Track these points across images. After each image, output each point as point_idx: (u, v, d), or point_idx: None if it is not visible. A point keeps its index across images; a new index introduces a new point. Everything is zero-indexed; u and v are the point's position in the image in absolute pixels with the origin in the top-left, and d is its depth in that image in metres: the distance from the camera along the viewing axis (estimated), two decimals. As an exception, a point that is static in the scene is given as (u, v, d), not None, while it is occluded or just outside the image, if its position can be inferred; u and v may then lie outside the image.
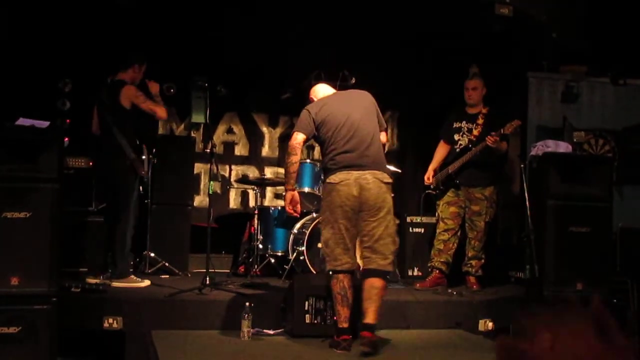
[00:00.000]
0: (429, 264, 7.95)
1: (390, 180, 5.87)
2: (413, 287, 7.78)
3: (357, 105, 5.98)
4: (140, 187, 7.47)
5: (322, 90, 6.29)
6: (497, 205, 7.88)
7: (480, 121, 7.70)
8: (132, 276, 7.29)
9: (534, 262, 6.32)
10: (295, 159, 5.87)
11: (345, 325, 5.69)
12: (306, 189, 8.08)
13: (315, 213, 8.10)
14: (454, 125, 7.88)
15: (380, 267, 5.69)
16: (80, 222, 7.63)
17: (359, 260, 6.13)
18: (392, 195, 5.99)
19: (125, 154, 7.16)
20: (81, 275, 7.33)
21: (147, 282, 7.30)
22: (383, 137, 6.08)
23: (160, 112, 7.43)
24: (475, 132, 7.68)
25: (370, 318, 5.59)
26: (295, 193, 5.98)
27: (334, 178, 5.71)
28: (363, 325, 5.61)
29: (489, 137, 7.36)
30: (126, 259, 7.21)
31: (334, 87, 6.59)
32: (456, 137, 7.84)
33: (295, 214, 6.12)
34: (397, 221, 5.73)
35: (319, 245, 5.95)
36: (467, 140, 7.73)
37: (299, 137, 5.87)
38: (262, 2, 8.42)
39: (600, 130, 8.98)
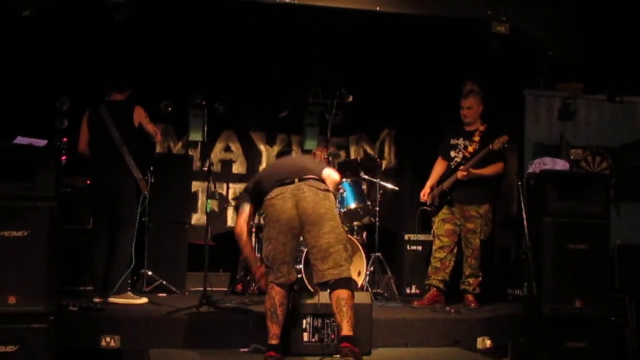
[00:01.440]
0: (427, 282, 7.94)
1: (327, 187, 5.82)
2: (411, 305, 7.77)
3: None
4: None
5: None
6: (492, 223, 7.89)
7: (476, 138, 7.72)
8: (129, 292, 7.30)
9: (532, 280, 6.31)
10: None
11: (274, 342, 5.74)
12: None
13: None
14: (451, 142, 7.91)
15: (336, 277, 5.60)
16: (77, 240, 7.62)
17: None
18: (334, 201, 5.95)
19: (132, 173, 7.22)
20: (86, 294, 7.35)
21: (144, 300, 7.30)
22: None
23: (160, 136, 7.71)
24: (470, 149, 7.71)
25: (345, 330, 5.51)
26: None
27: (270, 194, 5.76)
28: (340, 338, 5.55)
29: (459, 171, 7.47)
30: (125, 275, 7.22)
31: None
32: (452, 153, 7.87)
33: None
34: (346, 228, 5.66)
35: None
36: (461, 156, 7.75)
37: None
38: (260, 20, 8.44)
39: (597, 148, 8.99)
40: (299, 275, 7.68)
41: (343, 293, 5.57)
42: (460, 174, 7.54)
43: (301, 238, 5.86)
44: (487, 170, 7.61)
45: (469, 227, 7.71)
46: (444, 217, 7.84)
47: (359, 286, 7.82)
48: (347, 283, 5.64)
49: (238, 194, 9.62)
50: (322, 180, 5.86)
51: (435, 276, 7.81)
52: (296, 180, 5.75)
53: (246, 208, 6.04)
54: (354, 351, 5.46)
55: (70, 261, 7.38)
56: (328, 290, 5.68)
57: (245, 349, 6.18)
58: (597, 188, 6.73)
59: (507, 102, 9.02)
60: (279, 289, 5.75)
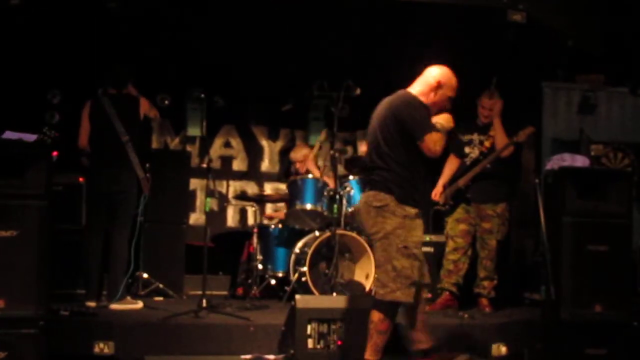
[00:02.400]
0: (439, 286, 7.94)
1: (380, 204, 5.51)
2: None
3: (379, 112, 5.81)
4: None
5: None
6: (509, 222, 7.88)
7: (492, 132, 7.70)
8: (128, 297, 7.32)
9: (550, 283, 6.31)
10: None
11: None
12: (308, 206, 8.07)
13: (318, 231, 8.10)
14: (464, 138, 7.89)
15: (378, 297, 5.52)
16: (69, 240, 7.63)
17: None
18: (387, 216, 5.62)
19: (135, 171, 7.23)
20: (79, 298, 7.36)
21: (140, 304, 7.31)
22: (424, 147, 5.53)
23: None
24: (487, 144, 7.70)
25: (366, 353, 5.51)
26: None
27: None
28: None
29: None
30: (123, 278, 7.24)
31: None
32: (467, 149, 7.85)
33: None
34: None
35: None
36: (478, 152, 7.74)
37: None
38: (264, 12, 8.44)
39: (619, 143, 8.98)
40: (303, 279, 7.69)
41: (373, 315, 5.50)
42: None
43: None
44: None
45: (485, 227, 7.70)
46: (458, 217, 7.83)
47: (366, 290, 7.82)
48: (381, 305, 5.50)
49: (238, 192, 9.63)
50: (387, 169, 5.58)
51: (448, 279, 7.81)
52: (366, 188, 5.71)
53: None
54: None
55: (61, 263, 7.39)
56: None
57: (247, 356, 6.18)
58: (618, 186, 6.73)
59: (524, 95, 9.01)
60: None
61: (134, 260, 7.48)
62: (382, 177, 5.53)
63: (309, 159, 8.95)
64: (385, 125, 5.61)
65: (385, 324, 5.46)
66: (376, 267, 5.64)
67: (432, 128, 5.48)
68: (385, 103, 5.81)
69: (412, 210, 5.50)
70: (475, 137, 7.83)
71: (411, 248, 5.46)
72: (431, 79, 5.90)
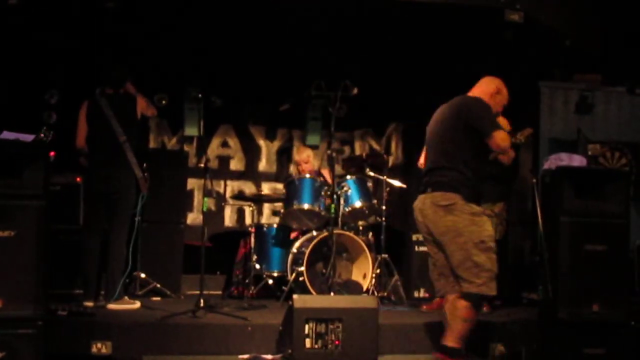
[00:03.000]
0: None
1: (448, 203, 5.64)
2: (419, 310, 7.78)
3: (443, 112, 5.94)
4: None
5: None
6: (507, 222, 7.89)
7: None
8: (126, 297, 7.32)
9: (548, 283, 6.31)
10: None
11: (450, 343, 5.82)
12: (306, 206, 8.07)
13: (316, 231, 8.11)
14: None
15: (465, 289, 5.67)
16: (67, 240, 7.63)
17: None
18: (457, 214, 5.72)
19: (133, 170, 7.22)
20: (77, 298, 7.36)
21: (137, 304, 7.31)
22: (492, 143, 5.70)
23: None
24: None
25: (451, 340, 5.74)
26: None
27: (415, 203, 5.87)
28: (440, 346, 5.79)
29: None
30: (121, 278, 7.24)
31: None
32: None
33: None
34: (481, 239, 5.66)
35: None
36: None
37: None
38: (262, 12, 8.45)
39: (616, 143, 9.00)
40: (300, 278, 7.69)
41: (459, 303, 5.73)
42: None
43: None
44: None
45: (483, 227, 7.71)
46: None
47: (364, 289, 7.83)
48: (470, 297, 5.69)
49: (236, 192, 9.63)
50: (453, 168, 5.69)
51: None
52: (428, 189, 5.75)
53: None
54: None
55: (58, 263, 7.39)
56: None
57: (245, 356, 6.18)
58: (616, 185, 6.73)
59: (522, 94, 8.99)
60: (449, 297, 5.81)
61: (131, 260, 7.47)
62: (449, 177, 5.66)
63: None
64: (451, 126, 5.76)
65: (470, 313, 5.70)
66: (456, 266, 5.67)
67: (498, 126, 5.68)
68: (447, 106, 5.96)
69: (478, 208, 5.68)
70: None
71: (487, 242, 5.67)
72: (492, 86, 6.11)
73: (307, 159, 8.93)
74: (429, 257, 5.91)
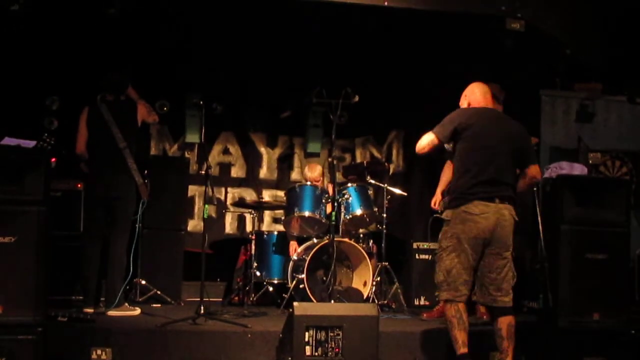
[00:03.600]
0: (437, 293, 7.92)
1: (516, 219, 5.82)
2: (420, 318, 7.76)
3: (504, 130, 5.91)
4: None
5: (478, 94, 6.15)
6: None
7: None
8: (126, 304, 7.31)
9: (548, 291, 6.32)
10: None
11: (465, 350, 5.76)
12: (306, 214, 8.05)
13: (316, 239, 8.10)
14: None
15: (506, 305, 5.77)
16: (68, 246, 7.62)
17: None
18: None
19: (133, 176, 7.22)
20: (77, 304, 7.35)
21: (137, 311, 7.30)
22: (533, 170, 5.94)
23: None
24: None
25: (510, 357, 5.73)
26: None
27: (472, 208, 5.69)
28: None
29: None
30: (121, 285, 7.23)
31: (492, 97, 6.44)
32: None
33: None
34: None
35: (436, 275, 5.88)
36: None
37: (428, 138, 5.90)
38: (261, 16, 8.45)
39: (617, 152, 9.00)
40: (300, 286, 7.69)
41: (514, 320, 5.81)
42: None
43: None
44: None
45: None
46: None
47: (364, 297, 7.81)
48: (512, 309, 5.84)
49: (237, 199, 9.62)
50: (515, 188, 5.85)
51: None
52: (497, 200, 5.72)
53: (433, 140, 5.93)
54: None
55: (59, 269, 7.38)
56: (493, 313, 5.89)
57: (244, 363, 6.18)
58: (616, 194, 6.73)
59: (522, 103, 9.01)
60: (461, 304, 5.79)
61: (132, 266, 7.46)
62: (513, 194, 5.81)
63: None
64: (516, 148, 5.86)
65: None
66: (504, 279, 5.77)
67: None
68: (501, 120, 6.03)
69: None
70: None
71: None
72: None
73: (318, 178, 8.83)
74: (454, 263, 5.76)
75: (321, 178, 8.88)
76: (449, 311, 5.76)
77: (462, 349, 5.74)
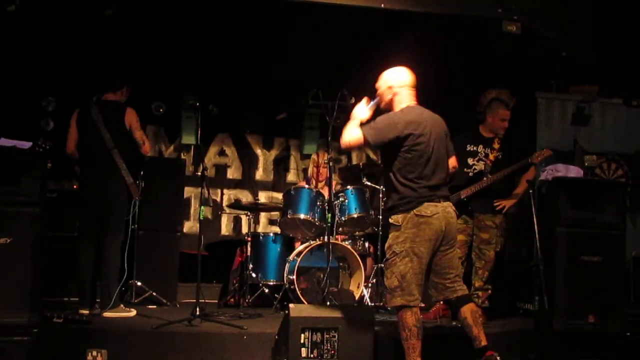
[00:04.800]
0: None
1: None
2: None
3: (438, 131, 5.95)
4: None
5: (406, 88, 6.13)
6: (506, 234, 7.90)
7: (496, 145, 7.70)
8: (122, 305, 7.30)
9: (544, 293, 6.31)
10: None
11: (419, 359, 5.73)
12: (302, 216, 8.05)
13: (313, 240, 8.10)
14: (468, 148, 7.83)
15: (465, 292, 5.87)
16: (63, 248, 7.62)
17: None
18: None
19: (123, 177, 7.20)
20: (72, 306, 7.34)
21: (133, 312, 7.29)
22: (453, 161, 6.12)
23: (148, 145, 7.59)
24: (491, 157, 7.69)
25: (485, 340, 5.76)
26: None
27: (424, 211, 5.68)
28: (484, 347, 5.75)
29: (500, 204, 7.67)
30: (116, 286, 7.22)
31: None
32: (470, 161, 7.81)
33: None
34: None
35: (388, 281, 5.84)
36: (482, 165, 7.73)
37: (356, 136, 5.84)
38: (258, 18, 8.46)
39: (612, 154, 9.00)
40: (291, 287, 7.69)
41: (474, 306, 5.87)
42: (500, 206, 7.67)
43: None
44: (524, 182, 7.66)
45: (483, 237, 7.71)
46: (457, 228, 7.84)
47: (356, 298, 7.82)
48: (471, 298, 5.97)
49: (233, 201, 9.61)
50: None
51: None
52: (441, 200, 5.77)
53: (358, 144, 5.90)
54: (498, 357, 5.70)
55: (54, 270, 7.38)
56: (454, 303, 5.89)
57: (240, 365, 6.17)
58: (612, 197, 6.74)
59: (518, 105, 9.01)
60: (416, 309, 5.75)
61: (127, 268, 7.45)
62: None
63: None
64: (446, 144, 5.99)
65: None
66: (457, 267, 5.93)
67: None
68: (434, 120, 6.03)
69: None
70: (481, 149, 7.78)
71: None
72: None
73: (325, 165, 8.85)
74: (408, 268, 5.69)
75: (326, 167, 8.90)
76: (410, 319, 5.67)
77: (419, 359, 5.71)
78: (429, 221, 5.65)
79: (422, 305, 8.28)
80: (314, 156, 9.10)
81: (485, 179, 7.63)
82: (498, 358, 5.65)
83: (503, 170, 7.57)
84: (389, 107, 6.04)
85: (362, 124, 5.88)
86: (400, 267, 5.66)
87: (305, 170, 9.86)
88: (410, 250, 5.64)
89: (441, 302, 7.74)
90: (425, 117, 5.93)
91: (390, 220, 5.80)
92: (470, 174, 7.77)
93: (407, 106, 5.95)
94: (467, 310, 5.79)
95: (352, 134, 5.86)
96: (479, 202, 7.70)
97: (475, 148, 7.82)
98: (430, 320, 7.59)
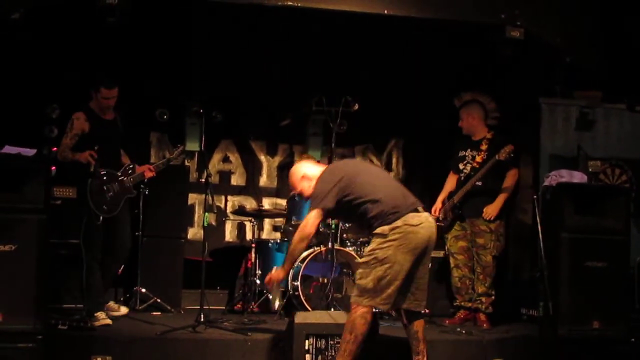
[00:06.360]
0: (455, 304, 8.02)
1: None
2: (441, 324, 7.80)
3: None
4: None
5: (315, 169, 6.20)
6: (505, 238, 7.92)
7: (483, 147, 7.80)
8: (111, 302, 7.25)
9: (548, 299, 6.32)
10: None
11: None
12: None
13: (317, 247, 8.11)
14: (459, 154, 8.00)
15: (424, 308, 5.95)
16: (68, 255, 7.63)
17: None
18: None
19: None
20: (76, 313, 7.34)
21: (123, 310, 7.29)
22: None
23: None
24: (478, 159, 7.77)
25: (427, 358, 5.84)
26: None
27: (410, 220, 5.68)
28: None
29: (484, 213, 7.71)
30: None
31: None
32: (461, 166, 7.95)
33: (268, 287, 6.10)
34: None
35: (363, 280, 5.83)
36: (470, 168, 7.81)
37: (314, 217, 5.86)
38: (262, 24, 8.48)
39: (616, 160, 9.00)
40: (295, 293, 7.70)
41: (423, 323, 5.98)
42: (487, 215, 7.70)
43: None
44: (507, 186, 7.70)
45: (479, 242, 7.75)
46: (456, 234, 7.92)
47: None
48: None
49: (237, 207, 9.62)
50: None
51: (461, 298, 7.91)
52: (421, 209, 5.83)
53: (321, 216, 5.89)
54: None
55: (59, 277, 7.40)
56: (407, 317, 5.90)
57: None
58: (616, 202, 6.75)
59: (522, 111, 9.04)
60: (372, 312, 5.74)
61: (132, 275, 7.46)
62: None
63: None
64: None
65: None
66: (426, 283, 5.90)
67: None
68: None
69: None
70: (468, 153, 7.94)
71: None
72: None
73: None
74: (387, 274, 5.63)
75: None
76: (361, 327, 5.61)
77: None
78: (416, 230, 5.65)
79: (426, 311, 8.35)
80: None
81: (469, 181, 7.72)
82: None
83: (479, 172, 7.66)
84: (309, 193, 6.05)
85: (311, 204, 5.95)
86: (379, 272, 5.61)
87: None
88: (392, 257, 5.61)
89: (463, 311, 7.82)
90: (345, 161, 6.52)
91: (376, 231, 5.72)
92: (462, 178, 7.87)
93: (318, 175, 6.01)
94: (420, 325, 5.89)
95: (308, 219, 5.87)
96: (470, 207, 7.78)
97: (464, 153, 7.97)
98: (456, 325, 7.63)
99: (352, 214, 5.91)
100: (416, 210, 5.76)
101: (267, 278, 6.03)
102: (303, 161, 6.44)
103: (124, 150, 7.73)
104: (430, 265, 5.95)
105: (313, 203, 5.86)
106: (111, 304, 7.28)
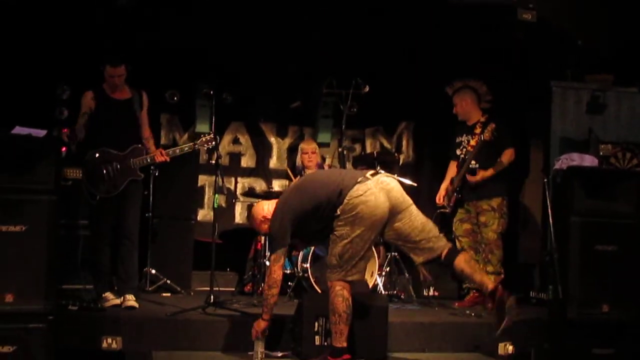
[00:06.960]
0: (464, 285, 8.04)
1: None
2: (451, 307, 7.88)
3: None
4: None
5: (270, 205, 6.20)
6: (508, 217, 7.93)
7: (477, 130, 7.83)
8: (108, 293, 7.17)
9: (557, 283, 6.29)
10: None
11: (345, 343, 5.71)
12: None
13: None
14: (457, 140, 8.05)
15: (449, 245, 5.87)
16: (78, 235, 7.64)
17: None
18: None
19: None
20: (85, 293, 7.35)
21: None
22: None
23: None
24: (472, 142, 7.80)
25: (491, 283, 5.82)
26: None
27: (354, 193, 5.68)
28: (493, 291, 5.76)
29: (468, 178, 7.82)
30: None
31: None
32: (458, 151, 8.04)
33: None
34: None
35: (328, 258, 5.84)
36: (465, 152, 7.85)
37: (279, 256, 5.90)
38: (273, 9, 8.45)
39: (628, 143, 8.96)
40: (305, 275, 7.71)
41: (466, 255, 5.99)
42: (471, 179, 7.67)
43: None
44: (500, 161, 7.72)
45: (481, 220, 7.84)
46: (461, 218, 7.97)
47: (370, 287, 7.82)
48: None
49: (247, 189, 9.62)
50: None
51: None
52: (371, 176, 5.80)
53: (283, 256, 5.93)
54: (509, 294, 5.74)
55: (68, 258, 7.42)
56: (444, 261, 5.83)
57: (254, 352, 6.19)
58: (627, 186, 6.71)
59: (533, 94, 9.00)
60: (348, 285, 5.74)
61: (142, 256, 7.46)
62: None
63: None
64: None
65: None
66: (426, 222, 5.90)
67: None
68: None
69: None
70: (464, 138, 8.02)
71: None
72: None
73: (314, 149, 8.97)
74: (347, 248, 5.71)
75: (316, 151, 8.95)
76: (340, 305, 5.67)
77: (345, 343, 5.71)
78: (363, 199, 5.65)
79: (436, 294, 8.35)
80: (302, 145, 9.15)
81: (464, 165, 7.75)
82: (510, 297, 5.69)
83: (471, 154, 7.69)
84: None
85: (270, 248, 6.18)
86: (338, 248, 5.68)
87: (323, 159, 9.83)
88: (350, 232, 5.65)
89: (474, 291, 7.81)
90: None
91: (338, 211, 5.73)
92: (460, 164, 7.91)
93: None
94: (461, 261, 5.79)
95: (269, 269, 5.94)
96: (473, 191, 7.83)
97: (460, 139, 8.06)
98: (466, 307, 7.64)
99: (316, 225, 5.92)
100: (361, 182, 5.72)
101: (252, 332, 5.98)
102: (260, 202, 6.40)
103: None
104: (418, 214, 5.85)
105: (272, 246, 5.99)
106: (107, 295, 7.15)
